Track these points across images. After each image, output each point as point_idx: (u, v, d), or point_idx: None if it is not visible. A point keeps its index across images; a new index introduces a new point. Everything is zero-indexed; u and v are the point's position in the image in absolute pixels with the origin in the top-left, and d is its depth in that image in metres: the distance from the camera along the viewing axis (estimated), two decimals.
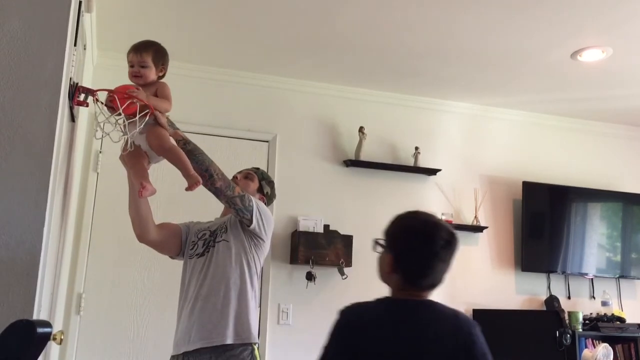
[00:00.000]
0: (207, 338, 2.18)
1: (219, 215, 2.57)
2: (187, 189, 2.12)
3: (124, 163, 2.24)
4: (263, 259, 2.41)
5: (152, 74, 2.19)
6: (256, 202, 2.32)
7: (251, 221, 2.28)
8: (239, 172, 2.55)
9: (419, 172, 4.09)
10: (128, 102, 2.04)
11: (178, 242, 2.43)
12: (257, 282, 2.35)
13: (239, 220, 2.32)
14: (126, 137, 2.13)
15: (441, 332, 1.50)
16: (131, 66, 2.19)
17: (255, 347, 2.25)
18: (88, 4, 2.50)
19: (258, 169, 2.63)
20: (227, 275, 2.26)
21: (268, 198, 2.56)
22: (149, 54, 2.18)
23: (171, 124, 2.25)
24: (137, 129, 2.10)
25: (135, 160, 2.18)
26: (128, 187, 2.28)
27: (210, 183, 2.20)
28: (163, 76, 2.26)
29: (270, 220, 2.39)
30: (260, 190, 2.52)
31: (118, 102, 2.02)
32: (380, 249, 1.61)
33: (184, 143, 2.23)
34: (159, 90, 2.22)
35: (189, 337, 2.22)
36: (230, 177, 2.34)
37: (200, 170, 2.18)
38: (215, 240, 2.34)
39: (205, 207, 2.62)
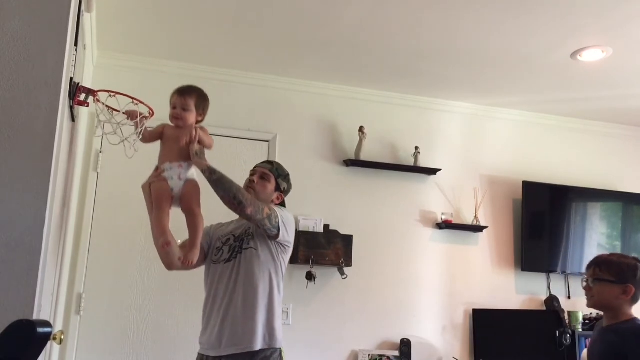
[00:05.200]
0: (237, 345, 2.27)
1: (235, 216, 2.57)
2: (179, 259, 2.20)
3: (145, 193, 2.24)
4: (288, 260, 2.48)
5: (192, 118, 2.24)
6: (280, 215, 2.36)
7: (278, 235, 2.35)
8: (254, 171, 2.53)
9: (419, 172, 4.09)
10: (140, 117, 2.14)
11: (203, 256, 2.46)
12: (282, 285, 2.43)
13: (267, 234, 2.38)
14: (133, 136, 2.15)
15: None
16: (173, 108, 2.23)
17: (282, 351, 2.34)
18: (88, 4, 2.50)
19: (272, 163, 2.60)
20: (256, 283, 2.33)
21: (286, 192, 2.58)
22: (192, 98, 2.23)
23: (202, 154, 2.26)
24: (138, 131, 2.12)
25: (162, 202, 2.19)
26: (149, 217, 2.25)
27: (240, 210, 2.26)
28: (201, 121, 2.31)
29: (292, 225, 2.45)
30: (277, 188, 2.52)
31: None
32: (603, 282, 2.24)
33: (210, 173, 2.24)
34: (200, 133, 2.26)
35: (220, 342, 2.30)
36: (237, 176, 2.37)
37: (229, 198, 2.23)
38: (242, 247, 2.38)
39: (219, 208, 2.57)
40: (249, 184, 2.47)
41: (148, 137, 2.25)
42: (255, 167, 2.57)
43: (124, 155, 2.21)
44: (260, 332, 2.28)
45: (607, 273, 2.24)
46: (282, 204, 2.57)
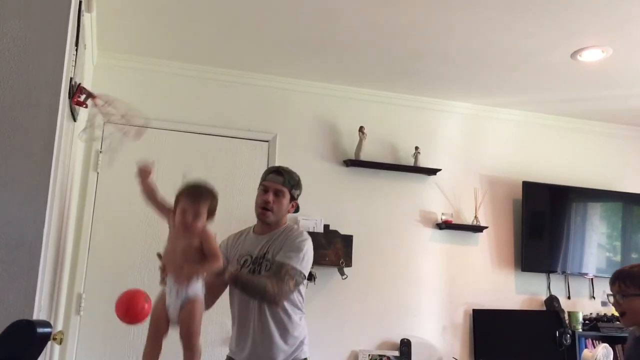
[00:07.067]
0: None
1: (249, 222, 2.58)
2: None
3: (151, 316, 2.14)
4: (307, 275, 2.49)
5: (202, 224, 1.98)
6: (302, 270, 2.36)
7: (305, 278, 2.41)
8: (265, 187, 2.46)
9: (419, 172, 4.09)
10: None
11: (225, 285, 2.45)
12: (303, 299, 2.46)
13: None
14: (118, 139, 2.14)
15: None
16: (183, 212, 1.97)
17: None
18: (88, 4, 2.50)
19: (281, 173, 2.49)
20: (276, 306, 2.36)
21: (298, 197, 2.57)
22: (206, 203, 1.98)
23: (219, 275, 2.17)
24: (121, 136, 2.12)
25: (156, 331, 2.07)
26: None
27: (272, 306, 2.32)
28: (211, 220, 2.04)
29: (311, 259, 2.45)
30: (292, 198, 2.51)
31: None
32: (632, 297, 2.20)
33: (234, 283, 2.29)
34: (204, 243, 1.99)
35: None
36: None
37: (258, 300, 2.31)
38: (260, 271, 2.38)
39: (230, 218, 2.55)
40: (265, 204, 2.43)
41: (152, 201, 2.04)
42: (265, 180, 2.49)
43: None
44: (286, 351, 2.34)
45: (632, 287, 2.22)
46: (297, 210, 2.60)
